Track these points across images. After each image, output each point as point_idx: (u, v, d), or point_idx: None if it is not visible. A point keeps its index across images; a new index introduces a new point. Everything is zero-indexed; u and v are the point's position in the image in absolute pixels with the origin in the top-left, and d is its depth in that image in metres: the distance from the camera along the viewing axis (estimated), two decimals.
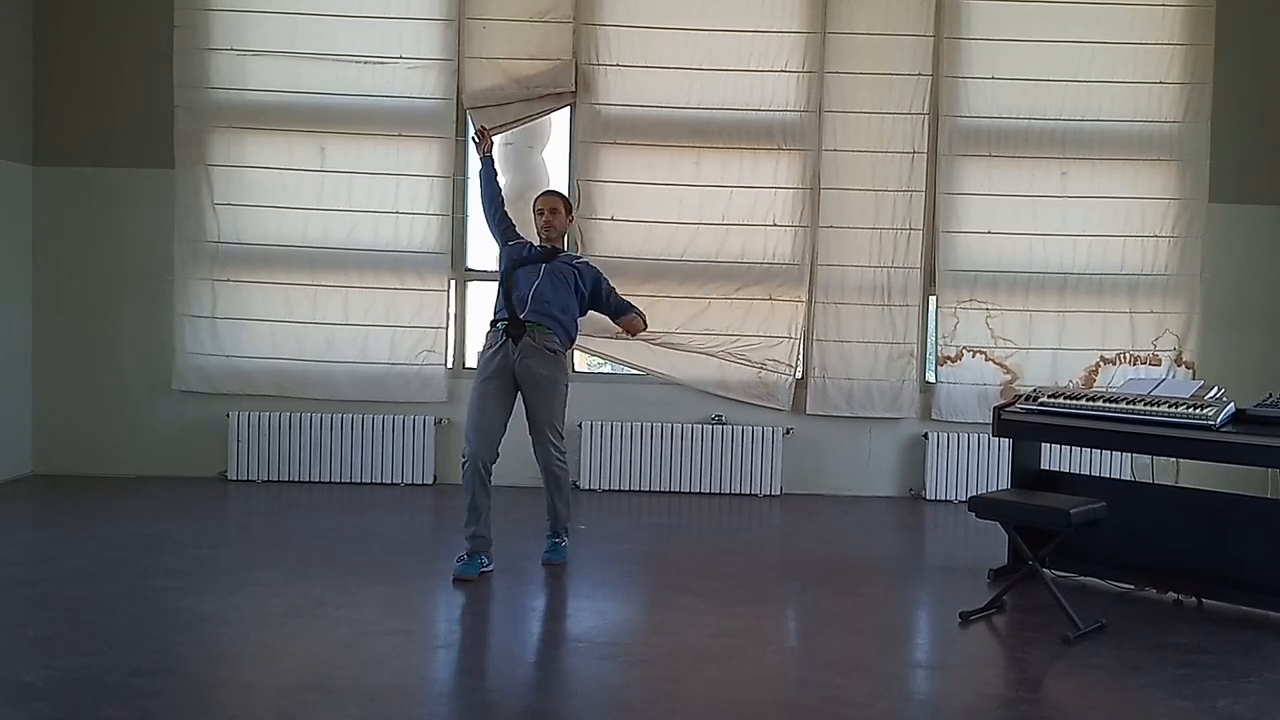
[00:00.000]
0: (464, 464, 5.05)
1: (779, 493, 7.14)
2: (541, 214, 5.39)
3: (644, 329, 5.60)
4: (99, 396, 7.18)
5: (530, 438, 5.22)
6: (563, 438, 5.25)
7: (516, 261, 5.32)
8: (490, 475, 5.05)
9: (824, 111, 7.12)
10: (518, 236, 5.50)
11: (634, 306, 5.54)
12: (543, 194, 5.56)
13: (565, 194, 5.74)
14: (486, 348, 5.23)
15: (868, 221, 7.13)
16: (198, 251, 7.11)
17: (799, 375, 7.26)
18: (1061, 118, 7.12)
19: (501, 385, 5.12)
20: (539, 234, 5.41)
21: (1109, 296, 7.20)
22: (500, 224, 5.54)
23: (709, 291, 7.18)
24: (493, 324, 5.25)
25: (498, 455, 5.07)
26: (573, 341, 5.45)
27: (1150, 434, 4.84)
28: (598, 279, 5.47)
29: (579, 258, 5.65)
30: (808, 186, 7.16)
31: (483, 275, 7.53)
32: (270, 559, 5.27)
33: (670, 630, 4.41)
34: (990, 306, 7.20)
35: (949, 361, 7.22)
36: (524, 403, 5.17)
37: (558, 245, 5.44)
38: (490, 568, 5.08)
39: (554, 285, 5.23)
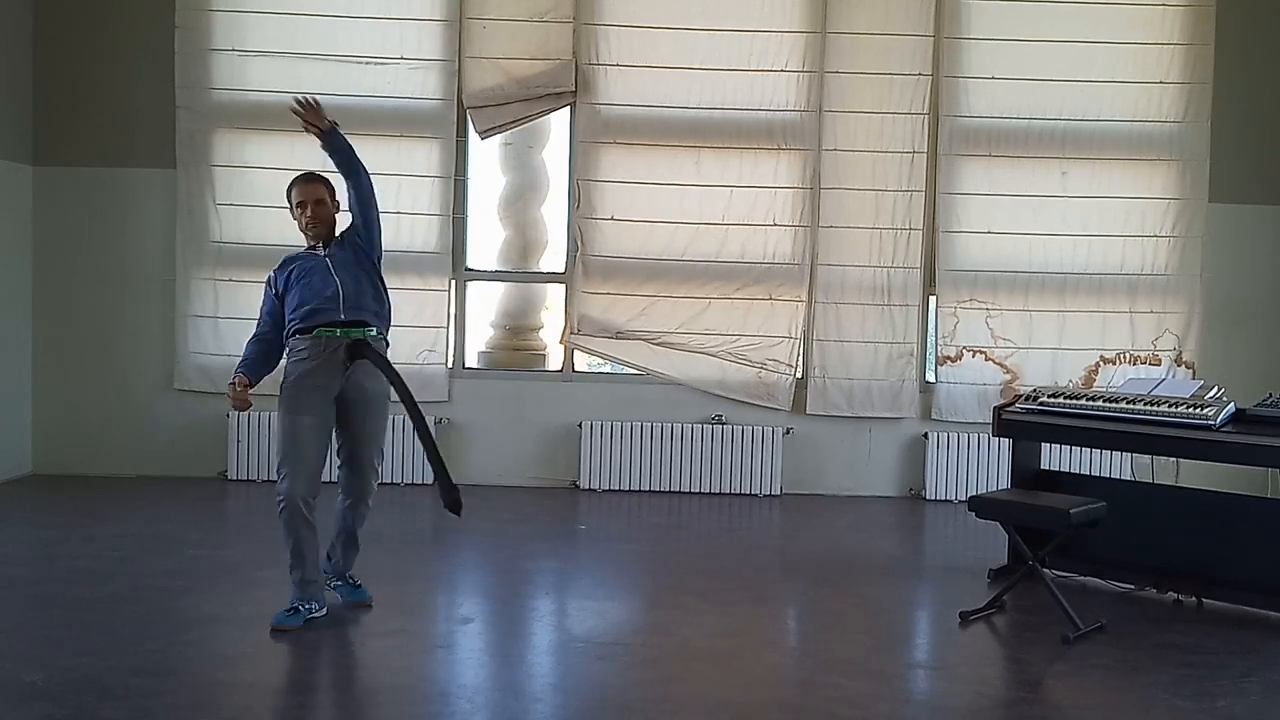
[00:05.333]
0: (281, 506, 4.21)
1: (779, 493, 7.14)
2: (303, 207, 4.37)
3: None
4: (99, 396, 7.18)
5: (343, 470, 4.43)
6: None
7: (301, 271, 4.36)
8: (313, 513, 4.25)
9: (824, 111, 7.11)
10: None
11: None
12: (299, 181, 4.44)
13: (324, 176, 4.47)
14: (298, 364, 4.29)
15: (868, 221, 7.13)
16: (200, 251, 7.12)
17: (799, 375, 7.26)
18: (1061, 118, 7.12)
19: (325, 410, 4.29)
20: (304, 233, 4.43)
21: (1109, 296, 7.20)
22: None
23: (709, 291, 7.17)
24: (300, 332, 4.28)
25: (320, 491, 4.31)
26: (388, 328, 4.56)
27: (1150, 434, 4.84)
28: (358, 231, 4.46)
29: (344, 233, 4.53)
30: (808, 186, 7.16)
31: (483, 275, 7.55)
32: (270, 559, 5.24)
33: (670, 630, 4.42)
34: (990, 306, 7.20)
35: (949, 361, 7.22)
36: (344, 426, 4.37)
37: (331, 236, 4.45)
38: (322, 613, 4.34)
39: (350, 273, 4.35)
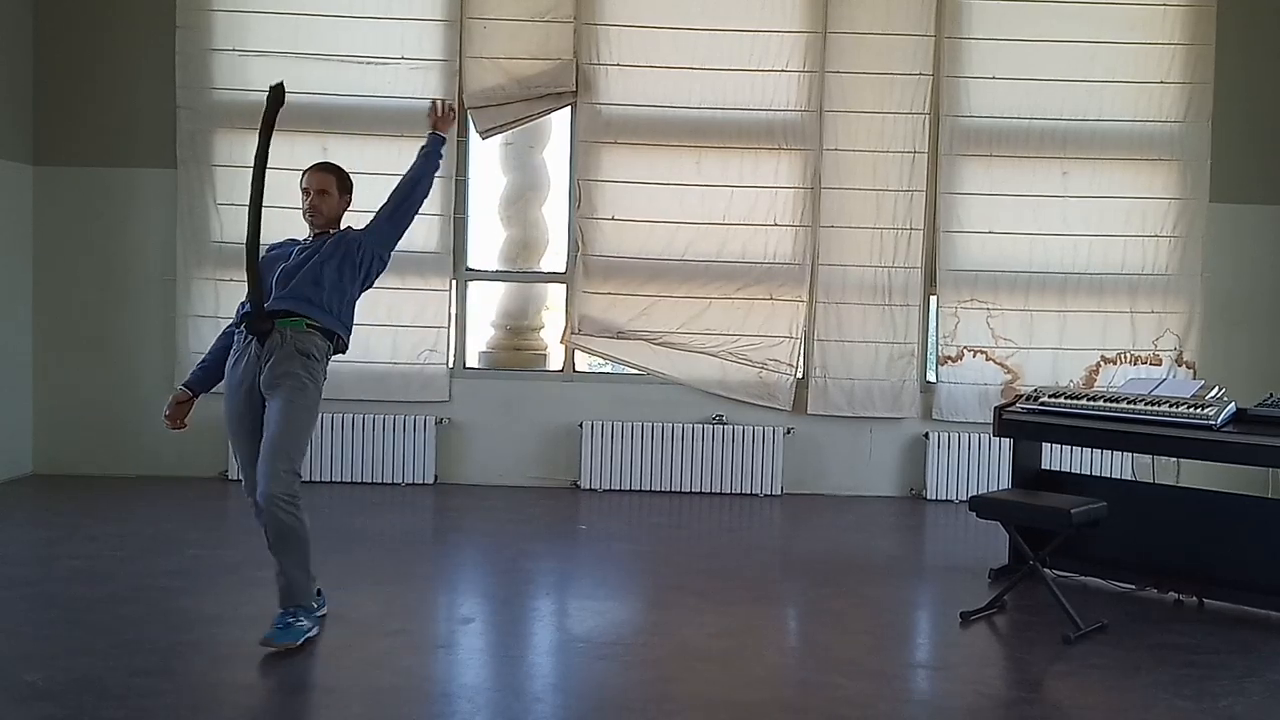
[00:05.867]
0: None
1: (779, 493, 7.13)
2: (306, 194, 4.26)
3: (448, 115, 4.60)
4: (99, 397, 7.18)
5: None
6: (298, 474, 3.99)
7: (269, 260, 4.19)
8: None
9: (825, 111, 7.11)
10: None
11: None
12: (312, 167, 4.35)
13: (339, 168, 4.38)
14: (231, 358, 4.11)
15: (868, 221, 7.13)
16: (200, 251, 7.12)
17: (800, 375, 7.26)
18: (1062, 118, 7.12)
19: (251, 405, 4.04)
20: (306, 219, 4.31)
21: (1109, 296, 7.20)
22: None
23: (710, 291, 7.17)
24: (236, 326, 4.12)
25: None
26: (345, 332, 4.21)
27: (1150, 434, 4.84)
28: (362, 241, 4.26)
29: (346, 232, 4.34)
30: (808, 186, 7.16)
31: (484, 275, 7.54)
32: (270, 559, 5.25)
33: (670, 630, 4.41)
34: (991, 306, 7.19)
35: (949, 361, 7.22)
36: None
37: (330, 231, 4.29)
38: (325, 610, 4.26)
39: (308, 260, 4.14)
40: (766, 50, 7.08)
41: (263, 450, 3.94)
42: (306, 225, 4.29)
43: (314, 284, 4.07)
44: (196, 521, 6.12)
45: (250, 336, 4.01)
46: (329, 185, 4.26)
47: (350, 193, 4.38)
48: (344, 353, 4.27)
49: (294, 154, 7.08)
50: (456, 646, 4.29)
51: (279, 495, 3.88)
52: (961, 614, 4.62)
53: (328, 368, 4.15)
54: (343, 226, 4.33)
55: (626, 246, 7.16)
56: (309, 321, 4.05)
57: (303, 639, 3.95)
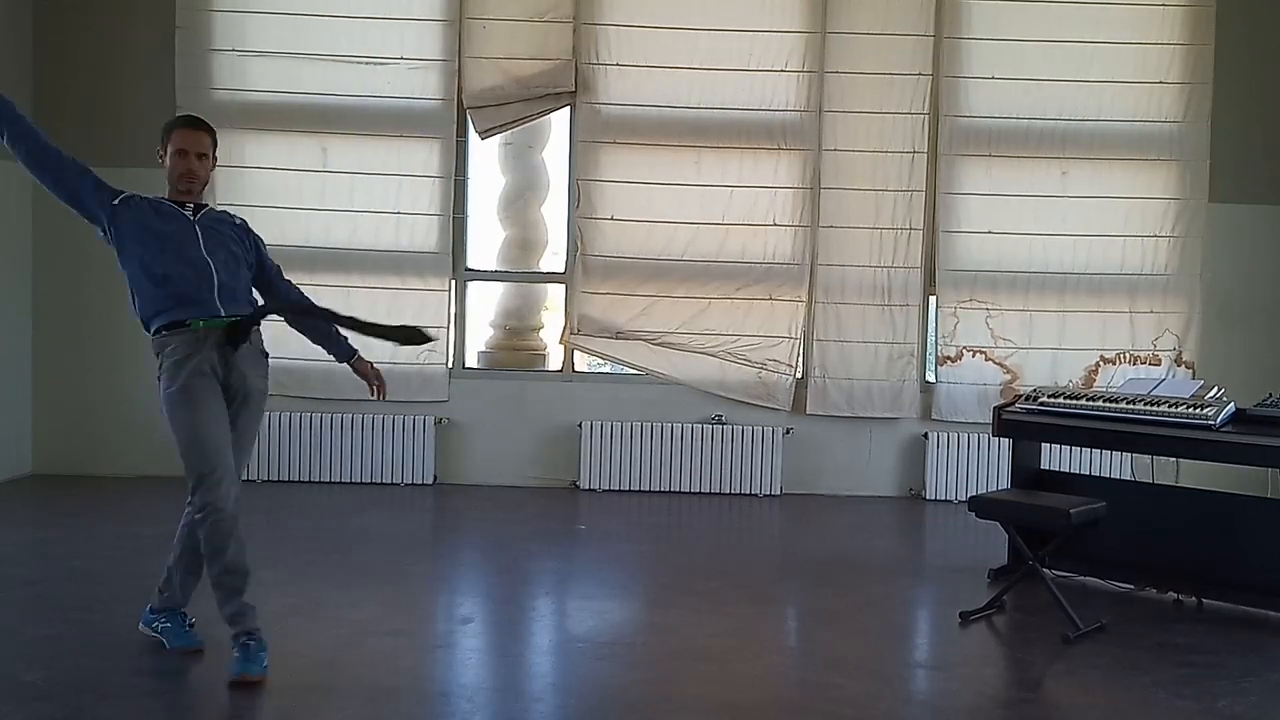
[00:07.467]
0: (212, 517, 3.68)
1: (779, 493, 7.13)
2: (184, 155, 3.80)
3: (374, 372, 4.09)
4: (99, 396, 7.18)
5: None
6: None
7: (151, 229, 3.74)
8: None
9: (824, 111, 7.11)
10: (117, 189, 3.83)
11: (321, 309, 4.04)
12: (185, 124, 3.90)
13: (212, 127, 3.97)
14: (173, 353, 3.71)
15: (868, 221, 7.13)
16: None
17: (799, 375, 7.26)
18: (1061, 118, 7.12)
19: (219, 396, 3.77)
20: (175, 185, 3.85)
21: (1109, 296, 7.20)
22: (71, 175, 3.83)
23: (709, 291, 7.17)
24: (172, 327, 3.70)
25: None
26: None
27: (1150, 434, 4.84)
28: (260, 244, 4.02)
29: (229, 215, 4.05)
30: (808, 186, 7.16)
31: (483, 275, 7.54)
32: (270, 559, 5.25)
33: (670, 630, 4.42)
34: (990, 306, 7.20)
35: (949, 361, 7.22)
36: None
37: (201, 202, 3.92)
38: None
39: (225, 254, 3.82)
40: (766, 50, 7.08)
41: (236, 460, 3.79)
42: (169, 187, 3.86)
43: (249, 294, 3.91)
44: None
45: (213, 337, 3.72)
46: (208, 148, 3.88)
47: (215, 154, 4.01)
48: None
49: (293, 155, 7.13)
50: (456, 646, 4.29)
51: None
52: (961, 614, 4.62)
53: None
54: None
55: (626, 246, 7.16)
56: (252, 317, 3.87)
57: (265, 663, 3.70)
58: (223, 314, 3.72)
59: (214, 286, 3.73)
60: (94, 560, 5.17)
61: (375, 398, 4.11)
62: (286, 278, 4.11)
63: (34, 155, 3.76)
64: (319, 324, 4.06)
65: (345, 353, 4.10)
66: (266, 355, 3.93)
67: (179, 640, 3.96)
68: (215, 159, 3.96)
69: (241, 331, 3.75)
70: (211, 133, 3.94)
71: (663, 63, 7.08)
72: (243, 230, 3.98)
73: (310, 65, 7.05)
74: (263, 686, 3.63)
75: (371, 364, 4.09)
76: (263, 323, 3.92)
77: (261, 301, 3.97)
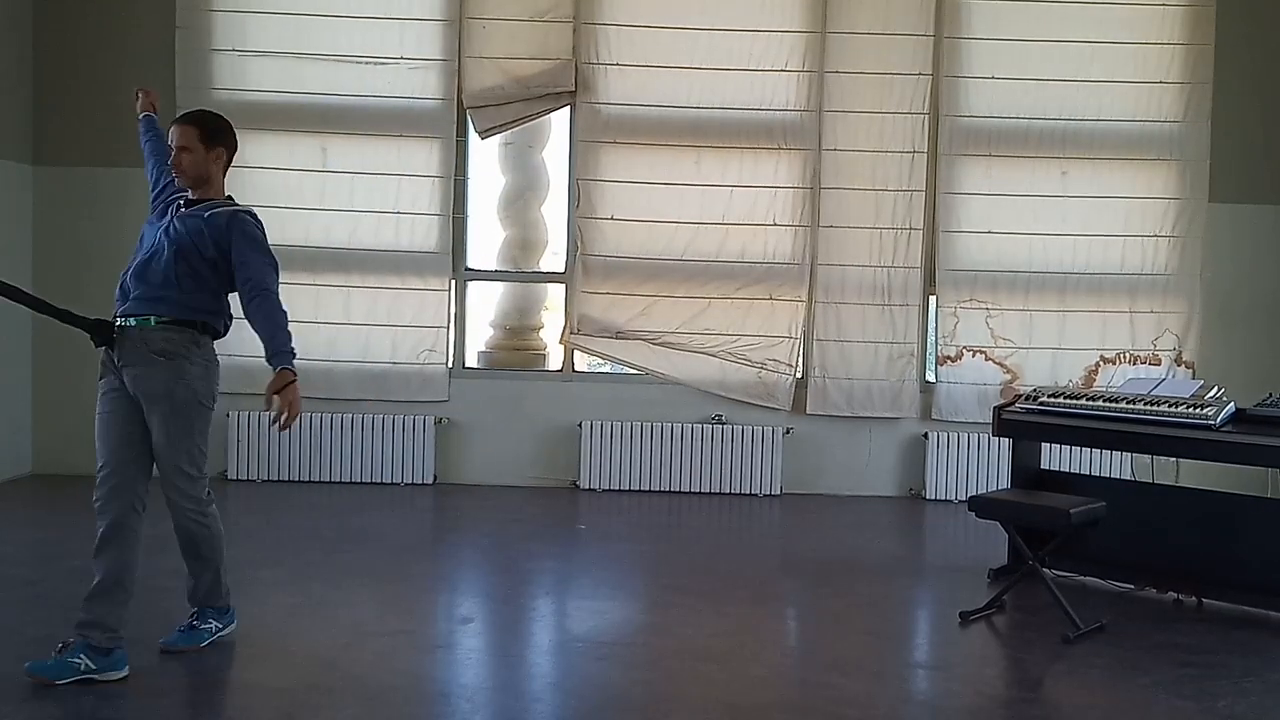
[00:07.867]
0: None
1: (779, 493, 7.13)
2: (172, 150, 3.86)
3: (295, 403, 3.70)
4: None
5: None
6: (196, 478, 4.03)
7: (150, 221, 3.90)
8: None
9: (824, 111, 7.11)
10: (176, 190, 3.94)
11: (284, 328, 3.85)
12: (175, 121, 3.92)
13: (210, 117, 3.95)
14: (101, 356, 3.98)
15: (868, 221, 7.13)
16: None
17: (799, 375, 7.26)
18: (1061, 118, 7.12)
19: (128, 409, 4.00)
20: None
21: (1109, 296, 7.20)
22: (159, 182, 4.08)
23: (709, 291, 7.17)
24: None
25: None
26: (214, 321, 3.93)
27: (1150, 434, 4.84)
28: (244, 237, 3.82)
29: (238, 210, 3.92)
30: (808, 186, 7.16)
31: (483, 275, 7.55)
32: (270, 559, 5.26)
33: (670, 630, 4.41)
34: (990, 306, 7.20)
35: (949, 361, 7.22)
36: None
37: (209, 196, 3.89)
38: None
39: (166, 245, 3.75)
40: (766, 50, 7.08)
41: (163, 465, 3.99)
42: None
43: (165, 280, 3.82)
44: None
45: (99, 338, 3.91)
46: (190, 139, 3.79)
47: (221, 144, 3.89)
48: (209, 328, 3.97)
49: (293, 154, 7.13)
50: (456, 646, 4.28)
51: (187, 507, 4.09)
52: (961, 614, 4.62)
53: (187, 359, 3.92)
54: (225, 192, 3.95)
55: (626, 246, 7.16)
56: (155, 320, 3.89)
57: (207, 641, 3.93)
58: (115, 311, 3.80)
59: (126, 285, 3.79)
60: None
61: (271, 423, 3.74)
62: (266, 286, 3.88)
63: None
64: (254, 320, 3.85)
65: (269, 357, 3.80)
66: (165, 356, 3.80)
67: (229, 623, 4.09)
68: (213, 149, 3.84)
69: (100, 330, 3.84)
70: (201, 124, 3.86)
71: (663, 62, 7.08)
72: (218, 228, 3.78)
73: (310, 65, 7.06)
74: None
75: (282, 389, 3.67)
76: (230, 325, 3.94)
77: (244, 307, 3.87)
